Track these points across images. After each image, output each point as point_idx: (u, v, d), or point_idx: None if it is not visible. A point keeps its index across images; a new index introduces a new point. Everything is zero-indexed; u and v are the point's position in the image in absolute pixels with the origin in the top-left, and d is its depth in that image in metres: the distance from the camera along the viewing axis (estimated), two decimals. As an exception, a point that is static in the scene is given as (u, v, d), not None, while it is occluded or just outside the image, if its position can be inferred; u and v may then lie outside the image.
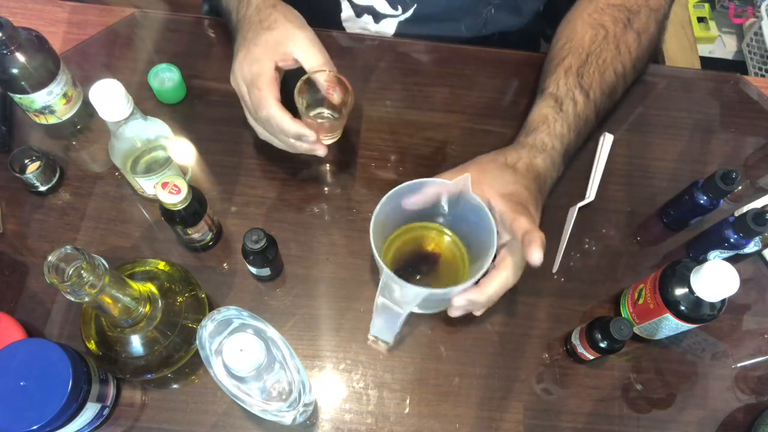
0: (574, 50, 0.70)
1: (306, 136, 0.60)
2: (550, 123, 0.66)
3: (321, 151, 0.62)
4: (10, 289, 0.65)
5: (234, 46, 0.66)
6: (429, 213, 0.66)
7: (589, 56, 0.69)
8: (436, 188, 0.60)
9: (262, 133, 0.66)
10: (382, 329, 0.61)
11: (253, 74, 0.62)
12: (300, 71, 0.64)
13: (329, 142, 0.68)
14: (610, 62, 0.70)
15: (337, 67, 0.66)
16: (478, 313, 0.59)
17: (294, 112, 0.61)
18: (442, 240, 0.68)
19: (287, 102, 0.62)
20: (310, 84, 0.64)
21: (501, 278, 0.56)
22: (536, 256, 0.52)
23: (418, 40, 0.84)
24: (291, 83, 0.64)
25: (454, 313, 0.58)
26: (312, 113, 0.68)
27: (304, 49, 0.63)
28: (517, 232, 0.55)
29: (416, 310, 0.64)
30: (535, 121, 0.67)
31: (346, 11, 0.83)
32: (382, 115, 0.78)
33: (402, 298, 0.55)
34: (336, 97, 0.66)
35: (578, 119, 0.67)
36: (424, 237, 0.68)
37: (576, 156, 0.73)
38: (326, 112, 0.68)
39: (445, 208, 0.64)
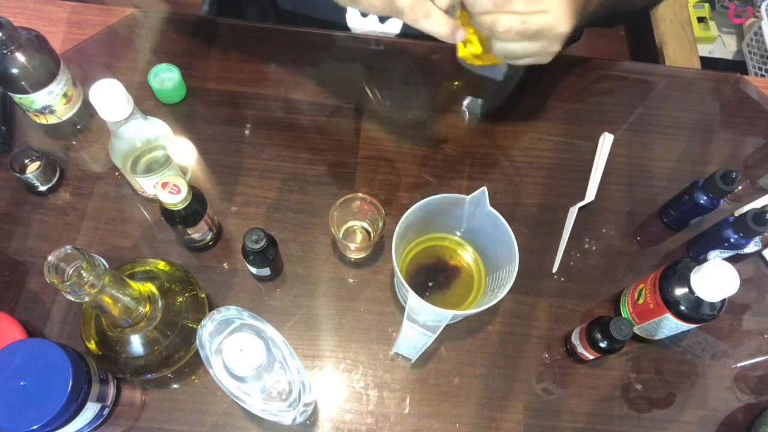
0: None
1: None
2: None
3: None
4: (10, 289, 0.65)
5: None
6: (445, 225, 0.66)
7: None
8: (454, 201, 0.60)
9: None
10: (407, 348, 0.60)
11: None
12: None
13: (359, 256, 0.69)
14: None
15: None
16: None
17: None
18: (458, 252, 0.69)
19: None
20: (345, 203, 0.64)
21: None
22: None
23: (422, 40, 0.84)
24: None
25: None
26: (345, 226, 0.69)
27: None
28: None
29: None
30: None
31: (352, 11, 0.83)
32: (383, 115, 0.78)
33: (430, 319, 0.55)
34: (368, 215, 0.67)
35: None
36: (440, 249, 0.69)
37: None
38: (358, 224, 0.69)
39: (462, 220, 0.64)
